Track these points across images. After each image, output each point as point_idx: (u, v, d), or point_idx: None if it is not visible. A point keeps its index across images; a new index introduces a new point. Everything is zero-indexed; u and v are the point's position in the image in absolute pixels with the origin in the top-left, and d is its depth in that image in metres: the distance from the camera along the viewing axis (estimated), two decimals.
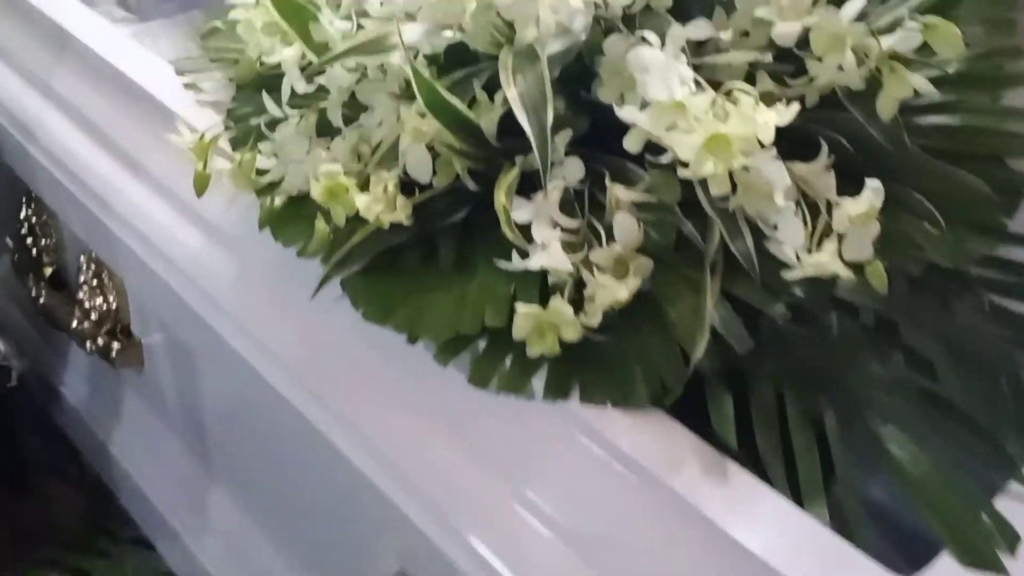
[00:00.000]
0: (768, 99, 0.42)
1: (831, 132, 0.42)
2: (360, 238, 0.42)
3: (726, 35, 0.42)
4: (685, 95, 0.36)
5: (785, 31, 0.40)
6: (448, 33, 0.44)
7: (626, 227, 0.38)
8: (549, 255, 0.38)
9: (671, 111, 0.36)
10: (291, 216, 0.45)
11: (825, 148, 0.39)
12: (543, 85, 0.39)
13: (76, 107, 0.59)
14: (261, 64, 0.48)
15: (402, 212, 0.41)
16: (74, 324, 0.66)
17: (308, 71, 0.44)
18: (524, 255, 0.39)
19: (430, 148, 0.42)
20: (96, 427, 0.72)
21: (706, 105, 0.35)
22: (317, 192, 0.40)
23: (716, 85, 0.43)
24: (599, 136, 0.43)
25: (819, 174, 0.39)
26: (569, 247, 0.39)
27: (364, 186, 0.43)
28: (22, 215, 0.71)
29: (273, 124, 0.48)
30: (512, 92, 0.39)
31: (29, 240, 0.71)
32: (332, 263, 0.43)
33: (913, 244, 0.40)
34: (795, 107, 0.36)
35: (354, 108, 0.48)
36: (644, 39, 0.40)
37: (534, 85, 0.39)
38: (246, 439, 0.56)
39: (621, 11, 0.43)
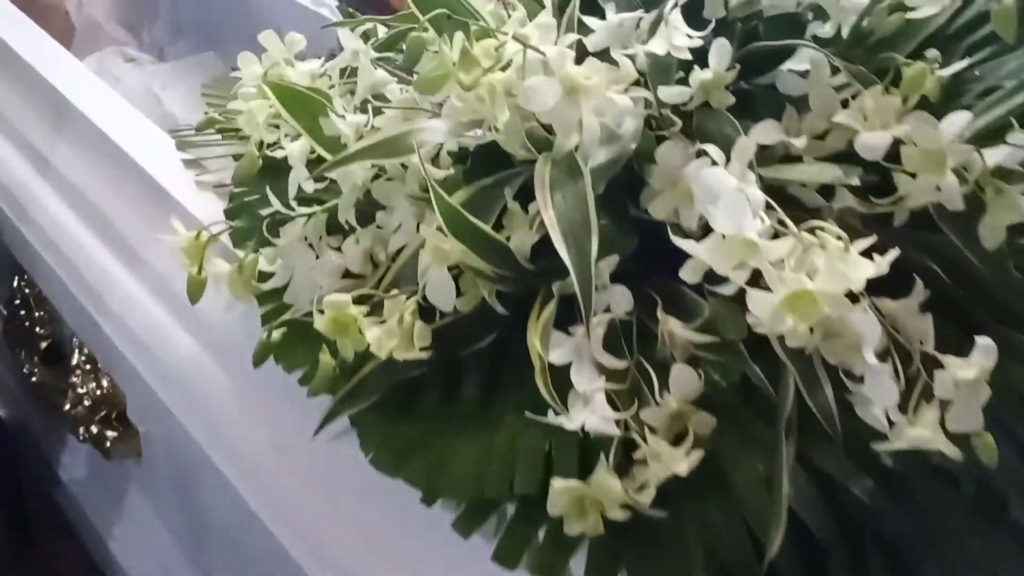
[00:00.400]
0: (848, 217, 0.37)
1: (921, 256, 0.36)
2: (371, 369, 0.37)
3: (799, 142, 0.36)
4: (758, 233, 0.30)
5: (871, 143, 0.34)
6: (478, 131, 0.38)
7: (683, 380, 0.33)
8: (592, 413, 0.32)
9: (740, 248, 0.30)
10: (294, 337, 0.39)
11: (920, 285, 0.33)
12: (586, 207, 0.33)
13: (73, 185, 0.54)
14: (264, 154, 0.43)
15: (419, 345, 0.35)
16: (67, 407, 0.61)
17: (317, 172, 0.39)
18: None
19: (454, 267, 0.36)
20: (95, 518, 0.67)
21: (785, 251, 0.29)
22: (321, 324, 0.35)
23: (785, 196, 0.37)
24: (648, 251, 0.38)
25: (912, 315, 0.33)
26: (616, 397, 0.33)
27: (377, 306, 0.37)
28: (15, 284, 0.66)
29: (277, 222, 0.43)
30: (549, 214, 0.33)
31: (22, 312, 0.66)
32: (339, 397, 0.37)
33: (1022, 399, 0.34)
34: (892, 254, 0.30)
35: (370, 203, 0.42)
36: (704, 151, 0.34)
37: (575, 207, 0.34)
38: (242, 560, 0.51)
39: (676, 116, 0.37)
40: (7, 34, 0.63)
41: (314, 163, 0.42)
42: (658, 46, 0.35)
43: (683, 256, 0.33)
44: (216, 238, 0.42)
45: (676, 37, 0.35)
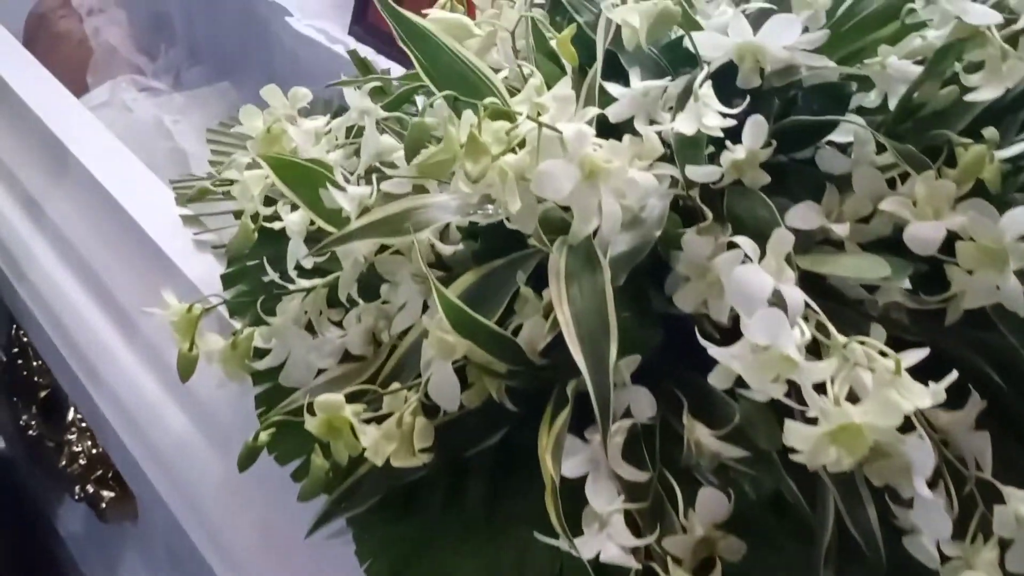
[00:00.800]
0: (894, 311, 0.34)
1: (975, 358, 0.32)
2: (368, 470, 0.34)
3: (841, 229, 0.33)
4: (798, 348, 0.27)
5: (923, 236, 0.31)
6: (489, 207, 0.35)
7: (711, 504, 0.29)
8: (608, 540, 0.29)
9: (777, 363, 0.27)
10: (289, 425, 0.36)
11: (975, 397, 0.30)
12: (604, 305, 0.30)
13: (69, 240, 0.51)
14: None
15: (420, 446, 0.32)
16: (63, 463, 0.58)
17: (316, 250, 0.36)
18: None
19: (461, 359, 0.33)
20: None
21: (829, 373, 0.26)
22: (313, 426, 0.32)
23: (824, 287, 0.34)
24: (673, 341, 0.35)
25: (967, 431, 0.30)
26: (636, 517, 0.30)
27: (376, 398, 0.34)
28: (12, 331, 0.64)
29: (275, 296, 0.40)
30: (564, 313, 0.30)
31: (20, 361, 0.64)
32: (333, 498, 0.34)
33: None
34: (950, 378, 0.26)
35: (373, 274, 0.39)
36: (736, 243, 0.31)
37: (592, 304, 0.30)
38: None
39: (706, 195, 0.34)
40: (10, 75, 0.60)
41: (315, 234, 0.39)
42: (687, 125, 0.32)
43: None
44: (210, 311, 0.40)
45: (707, 116, 0.32)
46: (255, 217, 0.39)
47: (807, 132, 0.36)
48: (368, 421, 0.33)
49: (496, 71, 0.44)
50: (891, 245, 0.34)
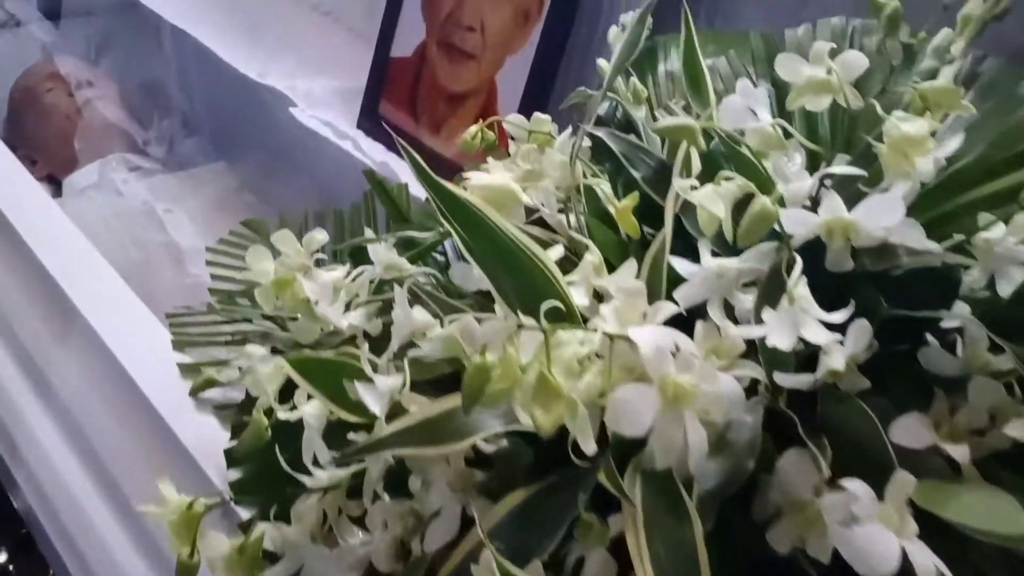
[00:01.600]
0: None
1: None
2: None
3: (959, 453, 0.28)
4: None
5: None
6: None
7: None
8: None
9: None
10: None
11: None
12: (697, 568, 0.25)
13: (72, 414, 0.46)
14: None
15: None
16: None
17: (341, 459, 0.31)
18: None
19: None
20: None
21: None
22: None
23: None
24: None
25: None
26: None
27: None
28: None
29: (287, 495, 0.35)
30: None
31: None
32: None
33: None
34: None
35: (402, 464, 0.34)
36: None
37: (681, 565, 0.25)
38: None
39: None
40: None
41: (335, 425, 0.34)
42: (782, 337, 0.27)
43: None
44: (209, 509, 0.35)
45: (807, 326, 0.27)
46: (268, 412, 0.34)
47: (908, 323, 0.31)
48: None
49: (533, 212, 0.40)
50: (1010, 459, 0.30)
